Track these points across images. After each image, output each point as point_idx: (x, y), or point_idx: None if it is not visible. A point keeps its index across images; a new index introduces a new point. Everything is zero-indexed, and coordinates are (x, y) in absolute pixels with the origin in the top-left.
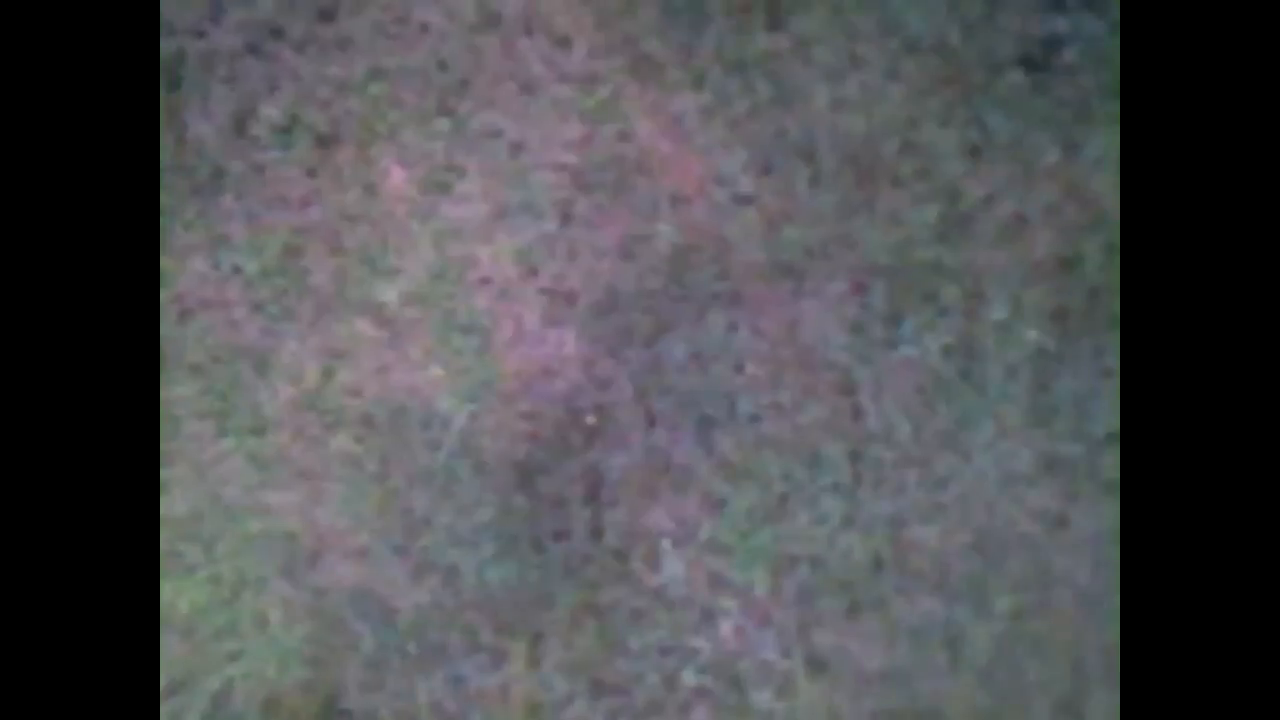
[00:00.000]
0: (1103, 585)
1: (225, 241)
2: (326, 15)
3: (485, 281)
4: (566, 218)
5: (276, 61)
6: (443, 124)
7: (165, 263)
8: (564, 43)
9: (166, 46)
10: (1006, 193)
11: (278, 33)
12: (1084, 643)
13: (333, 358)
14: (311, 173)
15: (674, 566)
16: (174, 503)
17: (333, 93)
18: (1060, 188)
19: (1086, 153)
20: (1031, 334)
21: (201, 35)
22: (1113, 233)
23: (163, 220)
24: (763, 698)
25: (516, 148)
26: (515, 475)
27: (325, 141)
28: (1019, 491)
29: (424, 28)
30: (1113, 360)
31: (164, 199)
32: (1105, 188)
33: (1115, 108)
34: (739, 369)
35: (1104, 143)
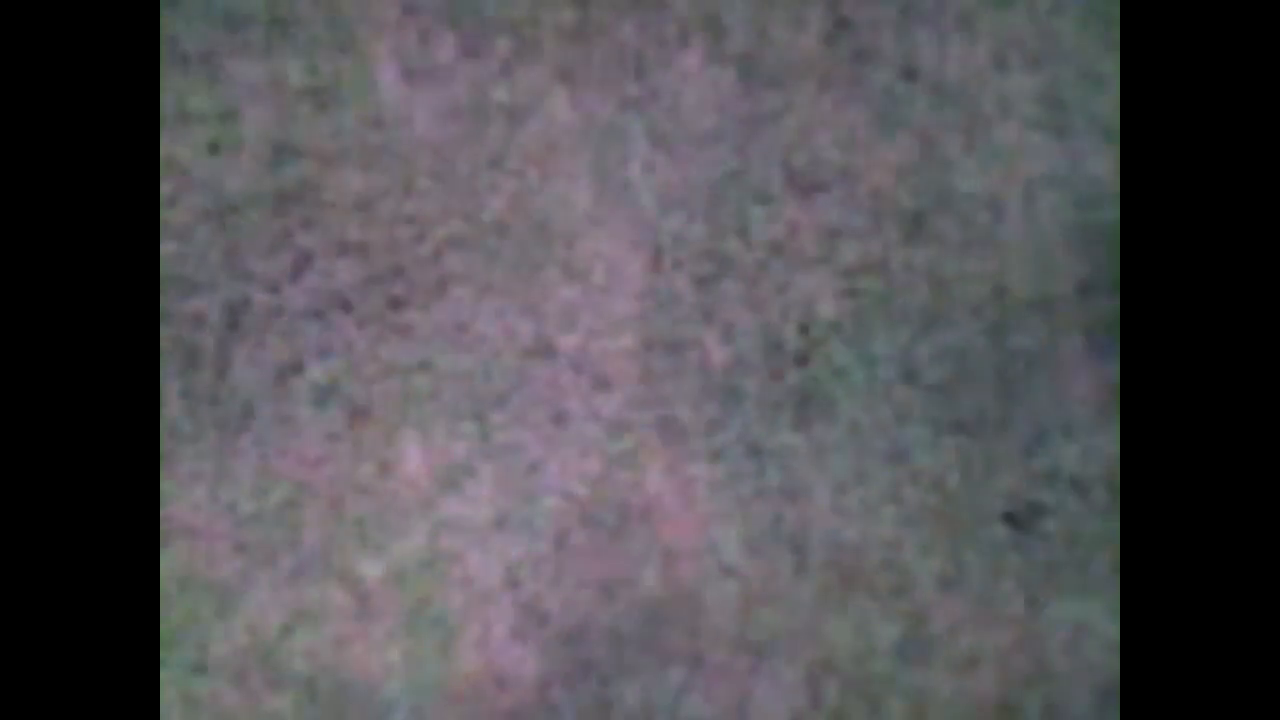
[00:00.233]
0: None
1: (231, 477)
2: (396, 303)
3: (466, 582)
4: (561, 544)
5: (336, 331)
6: (471, 428)
7: (166, 484)
8: (604, 387)
9: (234, 292)
10: (967, 629)
11: (345, 306)
12: None
13: (297, 617)
14: (334, 437)
15: None
16: None
17: (378, 372)
18: (1014, 634)
19: (1049, 613)
20: None
21: (275, 290)
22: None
23: (175, 443)
24: None
25: (533, 469)
26: None
27: (357, 413)
28: None
29: (481, 339)
30: None
31: (187, 424)
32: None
33: (1081, 582)
34: None
35: (1065, 609)
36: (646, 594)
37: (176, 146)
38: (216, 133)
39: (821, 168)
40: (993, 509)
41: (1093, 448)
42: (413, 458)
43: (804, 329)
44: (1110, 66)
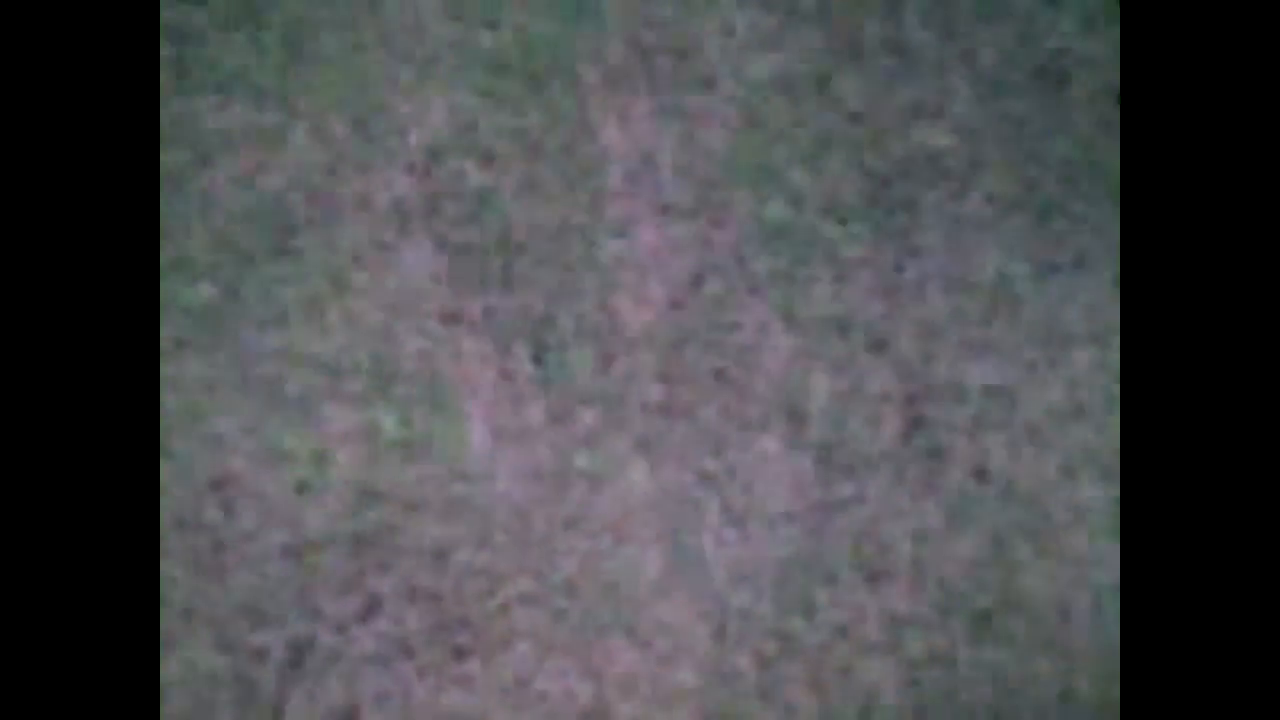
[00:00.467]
0: None
1: None
2: (459, 653)
3: None
4: None
5: (397, 678)
6: None
7: None
8: None
9: (301, 629)
10: None
11: (409, 653)
12: None
13: None
14: None
15: None
16: None
17: None
18: None
19: None
20: None
21: (342, 631)
22: None
23: None
24: None
25: None
26: None
27: None
28: None
29: (541, 697)
30: None
31: None
32: None
33: None
34: None
35: None
36: None
37: (266, 483)
38: (307, 473)
39: (891, 558)
40: None
41: None
42: None
43: (865, 716)
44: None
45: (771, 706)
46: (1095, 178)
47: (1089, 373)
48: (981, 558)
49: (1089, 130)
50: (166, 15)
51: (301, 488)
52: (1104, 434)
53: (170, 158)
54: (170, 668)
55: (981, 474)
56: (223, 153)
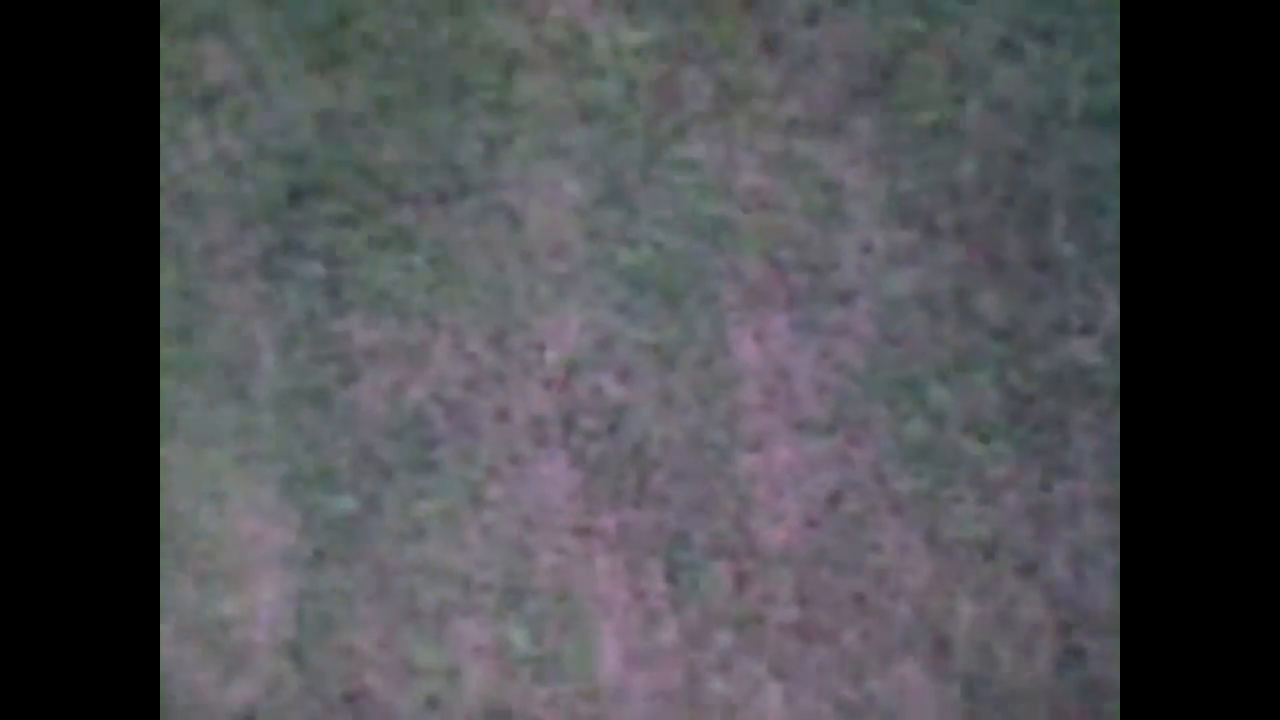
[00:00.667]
0: None
1: None
2: None
3: None
4: None
5: None
6: None
7: None
8: None
9: None
10: None
11: None
12: None
13: None
14: None
15: None
16: None
17: None
18: None
19: None
20: None
21: None
22: None
23: None
24: None
25: None
26: None
27: None
28: None
29: None
30: None
31: None
32: None
33: None
34: None
35: None
36: None
37: (398, 699)
38: (438, 689)
39: None
40: None
41: None
42: None
43: None
44: None
45: None
46: None
47: None
48: None
49: None
50: (319, 238)
51: (432, 703)
52: None
53: (316, 375)
54: None
55: None
56: (369, 367)
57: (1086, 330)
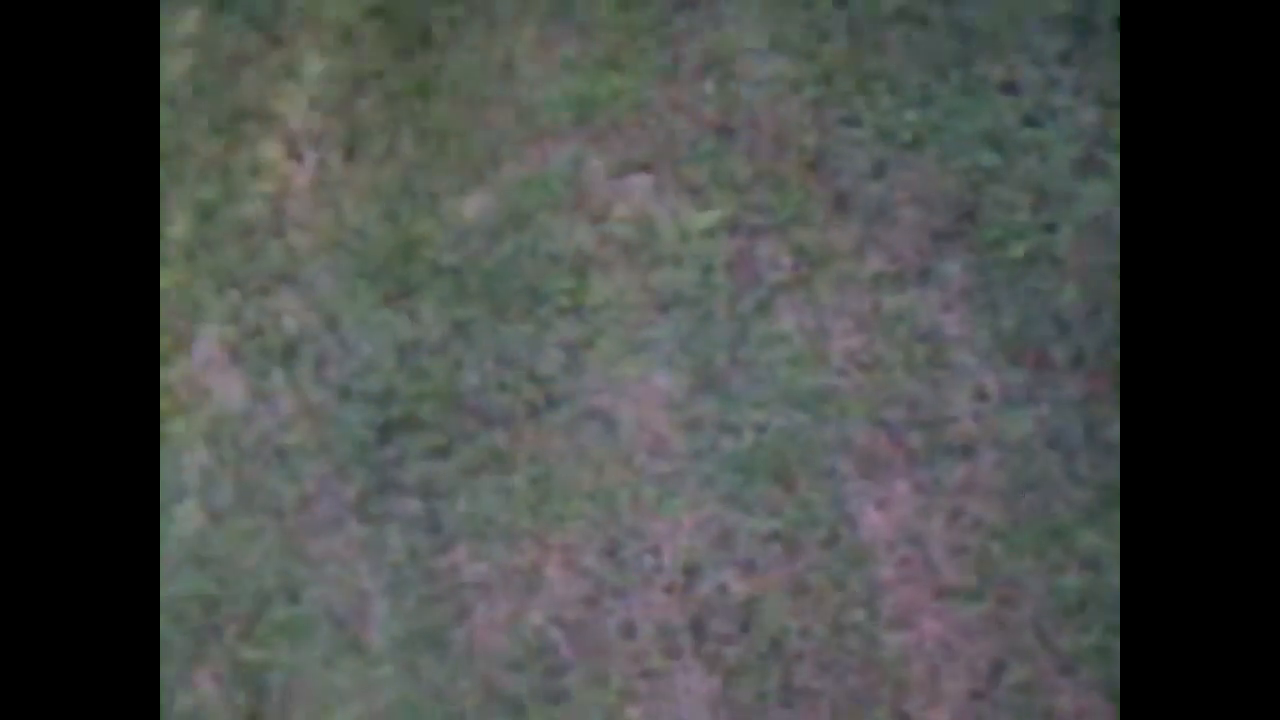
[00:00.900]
0: None
1: None
2: None
3: None
4: None
5: None
6: None
7: None
8: None
9: None
10: None
11: None
12: None
13: None
14: None
15: None
16: None
17: None
18: None
19: None
20: None
21: None
22: None
23: None
24: None
25: None
26: None
27: None
28: None
29: None
30: None
31: None
32: None
33: None
34: None
35: None
36: None
37: None
38: None
39: None
40: None
41: None
42: None
43: None
44: None
45: None
46: None
47: None
48: None
49: None
50: (413, 473)
51: None
52: None
53: (429, 615)
54: None
55: None
56: (481, 600)
57: None
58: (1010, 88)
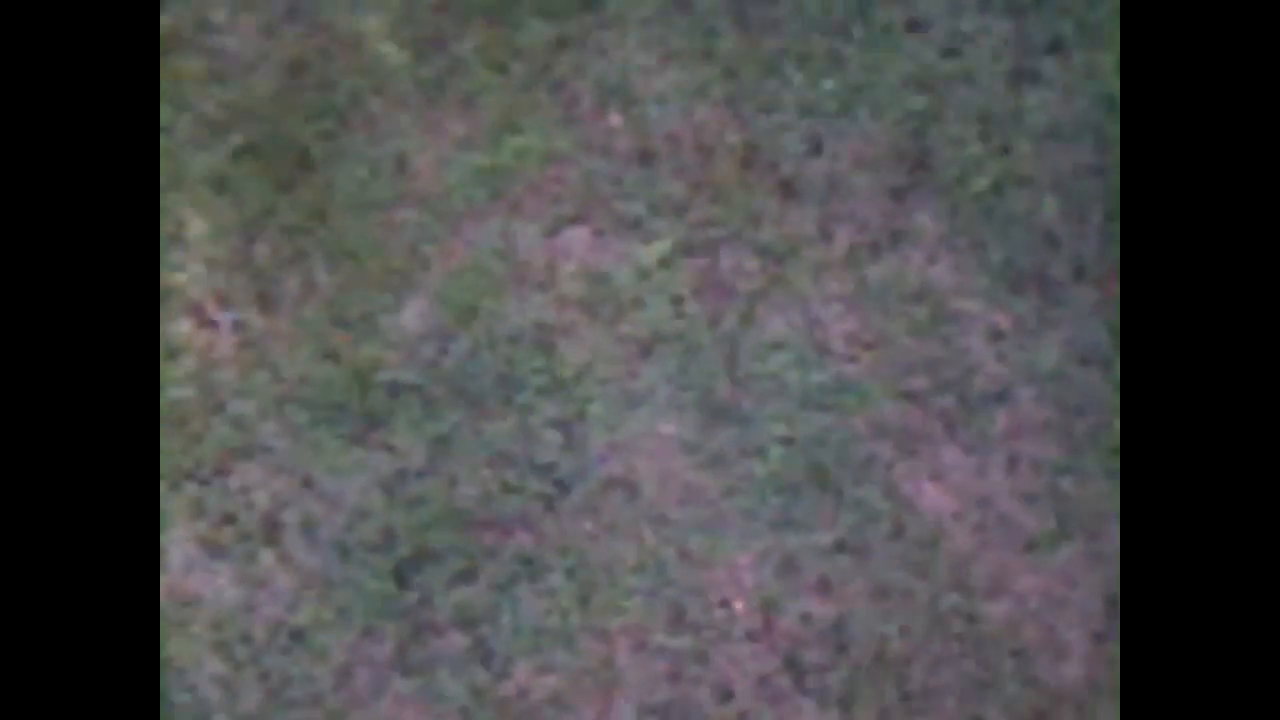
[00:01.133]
0: None
1: None
2: None
3: None
4: None
5: None
6: None
7: None
8: None
9: None
10: None
11: None
12: None
13: None
14: None
15: None
16: None
17: None
18: None
19: None
20: None
21: None
22: None
23: None
24: None
25: None
26: None
27: None
28: None
29: None
30: None
31: None
32: None
33: None
34: None
35: None
36: None
37: None
38: None
39: None
40: None
41: None
42: None
43: None
44: None
45: None
46: None
47: None
48: None
49: None
50: (442, 608)
51: None
52: None
53: None
54: None
55: None
56: (561, 716)
57: None
58: (916, 25)
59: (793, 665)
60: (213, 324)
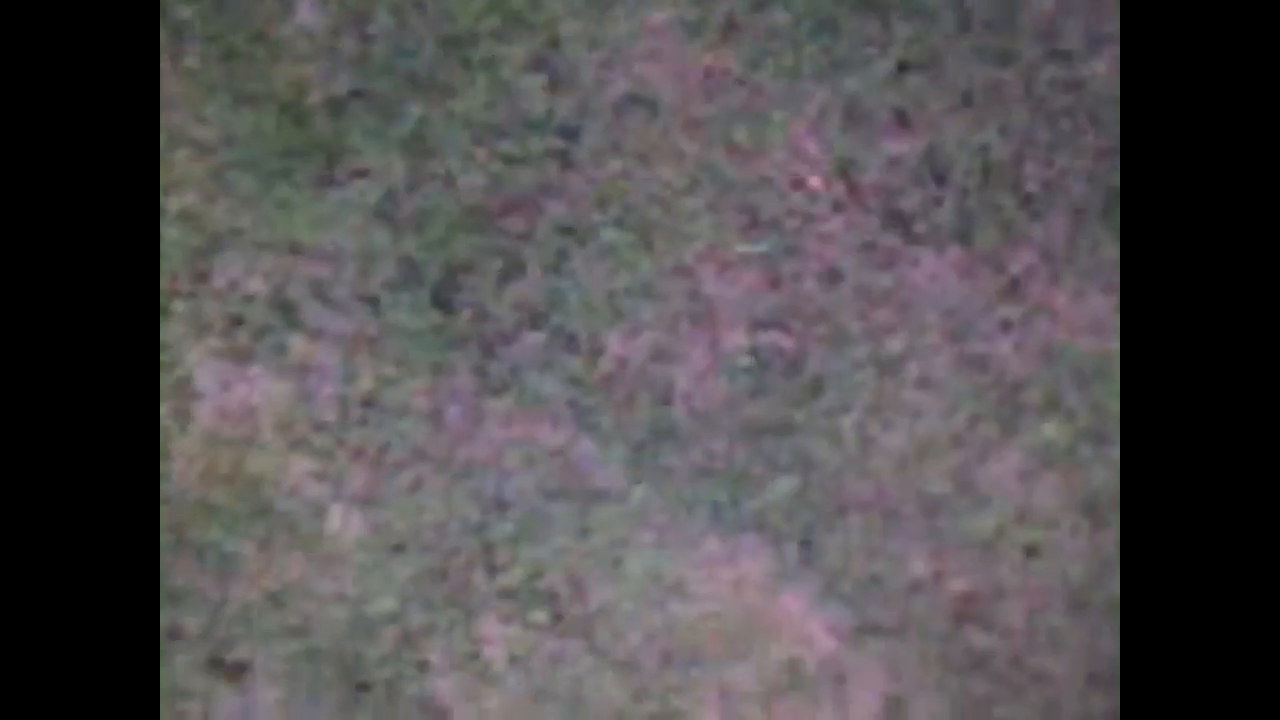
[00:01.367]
0: None
1: None
2: None
3: None
4: None
5: None
6: None
7: None
8: None
9: None
10: None
11: None
12: None
13: None
14: None
15: None
16: None
17: None
18: None
19: None
20: None
21: None
22: None
23: None
24: None
25: None
26: None
27: None
28: None
29: None
30: None
31: None
32: None
33: None
34: None
35: None
36: None
37: None
38: None
39: None
40: None
41: None
42: None
43: None
44: None
45: None
46: None
47: None
48: None
49: None
50: None
51: None
52: None
53: None
54: None
55: None
56: None
57: None
58: None
59: (895, 218)
60: None
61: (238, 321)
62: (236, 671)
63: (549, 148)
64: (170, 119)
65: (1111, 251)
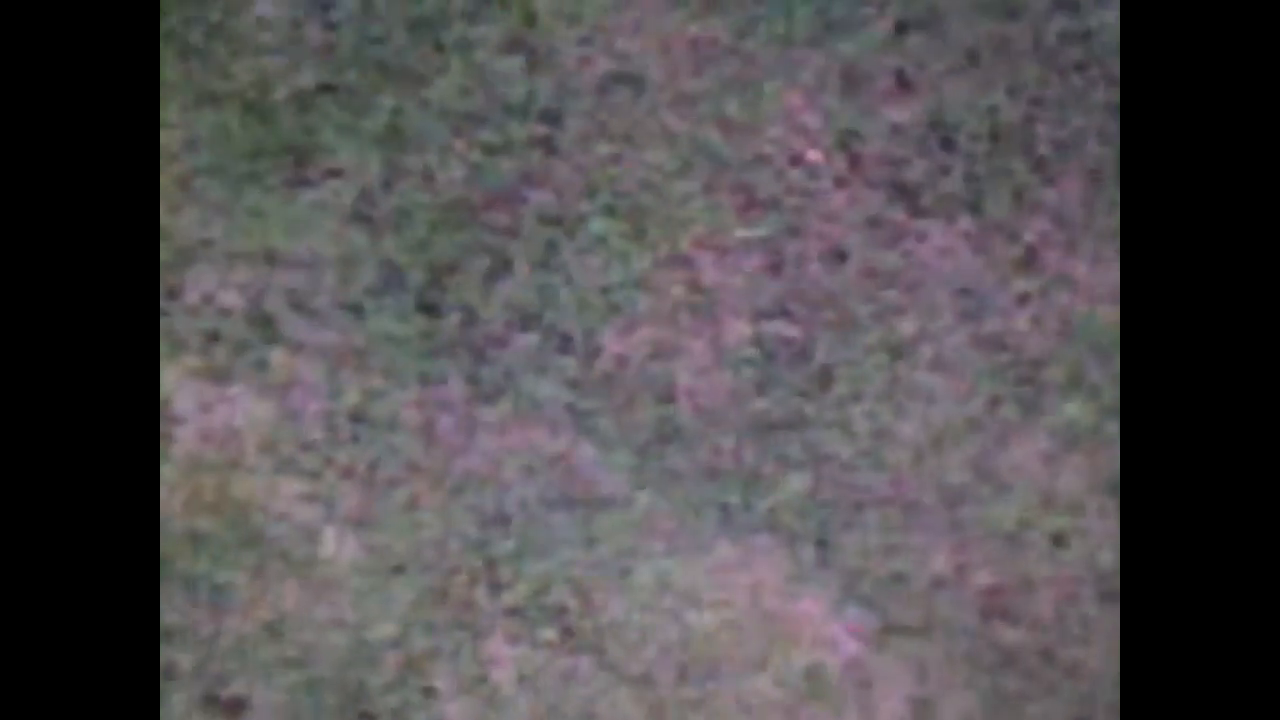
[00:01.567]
0: None
1: None
2: None
3: None
4: None
5: None
6: None
7: None
8: None
9: None
10: None
11: None
12: None
13: None
14: None
15: None
16: None
17: None
18: None
19: None
20: None
21: None
22: None
23: None
24: None
25: None
26: None
27: None
28: None
29: None
30: None
31: None
32: None
33: None
34: None
35: None
36: None
37: None
38: None
39: None
40: None
41: None
42: None
43: None
44: None
45: None
46: None
47: None
48: None
49: None
50: None
51: None
52: None
53: None
54: None
55: None
56: None
57: None
58: None
59: (901, 190)
60: None
61: (214, 338)
62: (234, 708)
63: (531, 134)
64: None
65: None
